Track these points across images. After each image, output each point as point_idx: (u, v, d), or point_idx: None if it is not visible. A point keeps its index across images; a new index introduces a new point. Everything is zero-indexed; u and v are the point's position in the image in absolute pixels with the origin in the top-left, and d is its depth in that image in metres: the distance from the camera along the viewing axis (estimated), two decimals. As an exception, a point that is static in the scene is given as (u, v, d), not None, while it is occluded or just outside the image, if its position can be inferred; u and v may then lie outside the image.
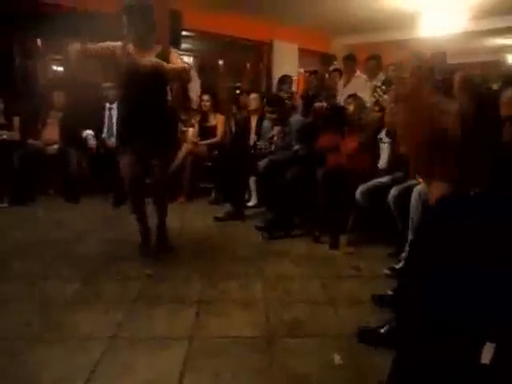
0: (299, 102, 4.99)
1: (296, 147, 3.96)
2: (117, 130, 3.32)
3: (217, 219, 4.14)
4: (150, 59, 2.77)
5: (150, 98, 2.88)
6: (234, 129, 5.37)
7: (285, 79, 5.76)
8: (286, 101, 4.64)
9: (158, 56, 2.83)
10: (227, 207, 4.31)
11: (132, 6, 2.77)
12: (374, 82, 4.71)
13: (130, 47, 2.82)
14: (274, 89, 6.12)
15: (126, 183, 3.05)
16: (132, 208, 3.21)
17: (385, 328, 2.08)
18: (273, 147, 4.19)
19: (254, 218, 4.17)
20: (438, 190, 1.08)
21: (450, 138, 1.00)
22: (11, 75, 5.37)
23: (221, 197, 4.75)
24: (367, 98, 4.51)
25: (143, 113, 2.89)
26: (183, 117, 5.23)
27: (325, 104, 4.13)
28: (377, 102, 3.88)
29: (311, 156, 3.88)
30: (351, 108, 3.80)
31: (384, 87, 4.27)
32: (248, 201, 4.61)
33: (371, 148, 3.63)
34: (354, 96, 3.93)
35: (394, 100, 2.18)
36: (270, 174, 3.92)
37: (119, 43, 2.84)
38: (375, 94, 3.47)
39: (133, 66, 2.77)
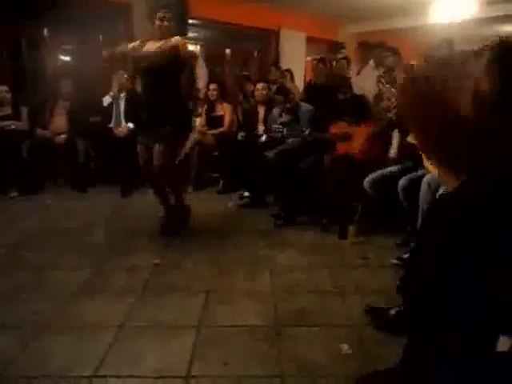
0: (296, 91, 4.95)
1: (305, 132, 3.92)
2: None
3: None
4: (154, 46, 3.00)
5: (156, 86, 3.05)
6: (240, 118, 5.34)
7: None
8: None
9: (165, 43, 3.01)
10: (234, 196, 4.31)
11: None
12: (379, 71, 4.69)
13: (138, 42, 3.12)
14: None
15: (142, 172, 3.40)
16: (153, 191, 3.43)
17: (392, 311, 2.10)
18: (285, 131, 4.15)
19: (261, 208, 4.17)
20: (452, 179, 1.03)
21: (464, 118, 0.93)
22: (19, 65, 5.38)
23: (228, 186, 4.76)
24: (372, 86, 4.48)
25: (150, 101, 3.11)
26: (190, 106, 5.21)
27: (348, 95, 4.08)
28: (380, 93, 3.81)
29: (320, 143, 3.84)
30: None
31: (386, 77, 4.22)
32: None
33: (384, 138, 3.59)
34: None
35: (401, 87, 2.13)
36: (281, 164, 3.89)
37: (138, 42, 3.14)
38: (379, 84, 3.44)
39: (139, 58, 3.06)
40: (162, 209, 3.46)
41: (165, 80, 3.04)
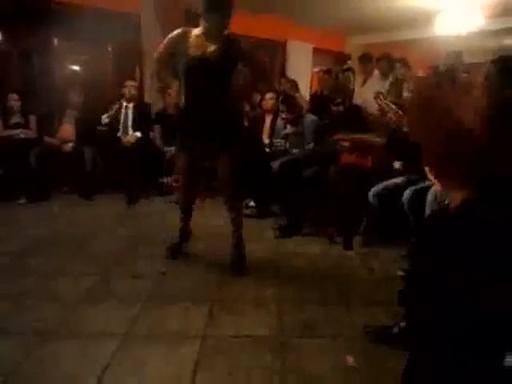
0: (303, 101, 4.96)
1: (310, 146, 3.94)
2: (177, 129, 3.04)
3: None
4: (215, 49, 2.62)
5: (211, 92, 2.68)
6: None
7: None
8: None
9: (224, 44, 2.64)
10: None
11: None
12: (388, 81, 4.69)
13: (192, 35, 2.65)
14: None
15: (182, 184, 3.06)
16: (181, 207, 3.17)
17: (395, 328, 2.08)
18: (287, 144, 4.15)
19: (267, 217, 4.17)
20: (456, 193, 1.04)
21: (471, 135, 0.95)
22: (29, 74, 5.45)
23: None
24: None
25: (202, 109, 2.72)
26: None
27: (341, 108, 4.09)
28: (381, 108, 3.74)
29: (325, 154, 3.85)
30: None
31: (388, 90, 4.17)
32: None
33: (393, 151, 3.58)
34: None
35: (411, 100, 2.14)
36: (285, 175, 3.89)
37: (178, 31, 2.69)
38: (377, 99, 3.38)
39: (196, 58, 2.61)
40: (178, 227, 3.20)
41: (220, 84, 2.70)
